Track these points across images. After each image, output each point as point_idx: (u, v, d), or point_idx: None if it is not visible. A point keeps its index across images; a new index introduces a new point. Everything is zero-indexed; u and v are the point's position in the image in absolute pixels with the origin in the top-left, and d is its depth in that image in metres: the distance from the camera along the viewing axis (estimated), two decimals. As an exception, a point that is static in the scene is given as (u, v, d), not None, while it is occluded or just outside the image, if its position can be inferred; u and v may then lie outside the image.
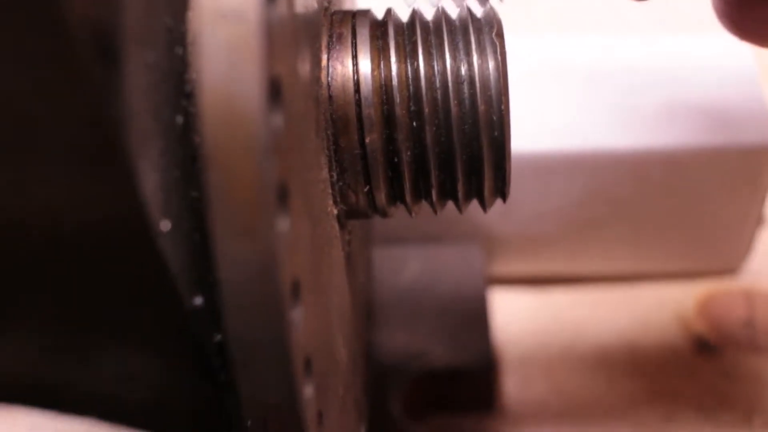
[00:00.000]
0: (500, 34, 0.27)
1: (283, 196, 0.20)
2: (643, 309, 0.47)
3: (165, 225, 0.20)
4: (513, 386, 0.45)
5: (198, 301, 0.22)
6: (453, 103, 0.26)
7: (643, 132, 0.43)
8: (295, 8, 0.22)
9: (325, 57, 0.27)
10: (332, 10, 0.28)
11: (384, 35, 0.27)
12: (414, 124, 0.27)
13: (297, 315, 0.21)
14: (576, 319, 0.47)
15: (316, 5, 0.26)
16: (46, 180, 0.19)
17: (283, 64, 0.20)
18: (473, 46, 0.27)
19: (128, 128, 0.19)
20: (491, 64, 0.27)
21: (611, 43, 0.47)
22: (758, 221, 0.46)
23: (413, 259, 0.45)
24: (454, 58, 0.27)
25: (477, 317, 0.43)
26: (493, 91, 0.26)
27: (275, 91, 0.19)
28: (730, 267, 0.48)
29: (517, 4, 0.49)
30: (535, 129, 0.43)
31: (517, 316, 0.47)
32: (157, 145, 0.20)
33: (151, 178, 0.20)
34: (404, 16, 0.29)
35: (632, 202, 0.44)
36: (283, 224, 0.19)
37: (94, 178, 0.19)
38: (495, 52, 0.27)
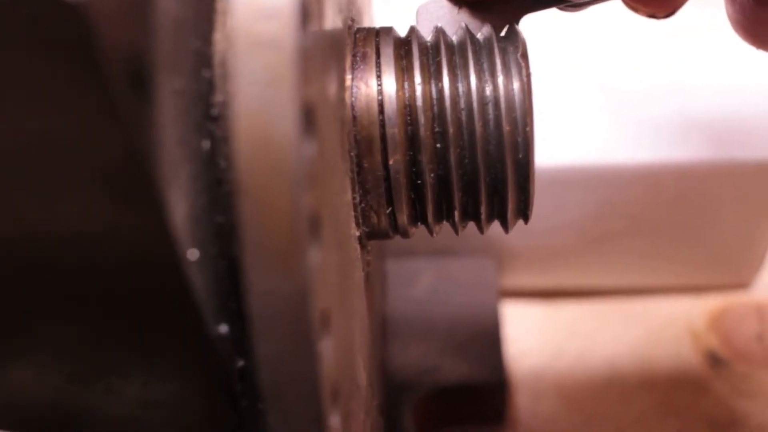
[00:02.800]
0: (525, 55, 0.27)
1: (315, 226, 0.19)
2: (655, 323, 0.47)
3: (193, 254, 0.20)
4: (525, 400, 0.44)
5: (223, 328, 0.22)
6: (478, 124, 0.26)
7: (657, 146, 0.43)
8: (325, 29, 0.22)
9: (349, 77, 0.26)
10: (355, 28, 0.28)
11: (408, 55, 0.27)
12: (438, 145, 0.26)
13: (326, 346, 0.20)
14: (588, 332, 0.47)
15: (341, 23, 0.26)
16: (77, 208, 0.19)
17: (316, 90, 0.20)
18: (498, 67, 0.27)
19: (158, 159, 0.18)
20: (516, 85, 0.26)
21: (626, 57, 0.46)
22: (771, 236, 0.46)
23: (426, 272, 0.45)
24: (479, 78, 0.26)
25: (489, 331, 0.43)
26: (518, 113, 0.26)
27: (309, 119, 0.19)
28: (742, 281, 0.48)
29: (534, 16, 0.48)
30: (549, 143, 0.42)
31: (529, 329, 0.47)
32: (185, 173, 0.20)
33: (180, 207, 0.19)
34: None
35: (646, 215, 0.44)
36: (315, 256, 0.19)
37: (125, 208, 0.19)
38: (520, 73, 0.26)
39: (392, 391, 0.40)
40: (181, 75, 0.20)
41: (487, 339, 0.42)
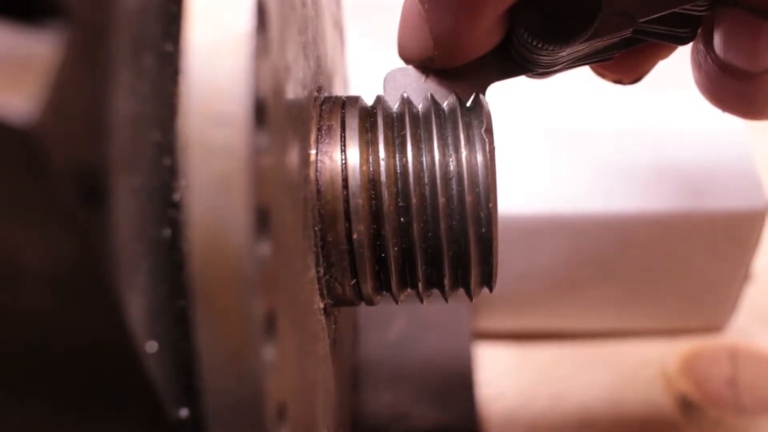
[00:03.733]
0: (489, 129, 0.27)
1: (270, 324, 0.19)
2: (627, 366, 0.47)
3: (151, 347, 0.20)
4: (497, 444, 0.45)
5: (183, 413, 0.22)
6: (441, 199, 0.26)
7: (629, 195, 0.43)
8: (284, 113, 0.22)
9: (313, 152, 0.27)
10: (322, 98, 0.28)
11: (373, 127, 0.27)
12: (402, 219, 0.27)
13: (282, 436, 0.21)
14: (560, 375, 0.47)
15: (305, 97, 0.26)
16: (27, 304, 0.19)
17: (272, 186, 0.20)
18: (462, 141, 0.27)
19: (115, 263, 0.18)
20: (479, 160, 0.27)
21: (598, 104, 0.47)
22: (744, 279, 0.46)
23: (399, 316, 0.45)
24: (442, 153, 0.27)
25: (462, 377, 0.43)
26: (482, 188, 0.26)
27: (263, 220, 0.19)
28: (715, 324, 0.48)
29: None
30: (521, 191, 0.43)
31: (502, 372, 0.47)
32: (144, 268, 0.20)
33: (137, 305, 0.20)
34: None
35: (618, 262, 0.45)
36: (269, 354, 0.19)
37: (81, 310, 0.19)
38: (484, 148, 0.27)
39: (364, 440, 0.40)
40: (140, 172, 0.20)
41: (459, 384, 0.43)
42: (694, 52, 0.31)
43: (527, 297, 0.46)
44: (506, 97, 0.45)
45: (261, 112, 0.19)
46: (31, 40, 0.16)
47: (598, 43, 0.29)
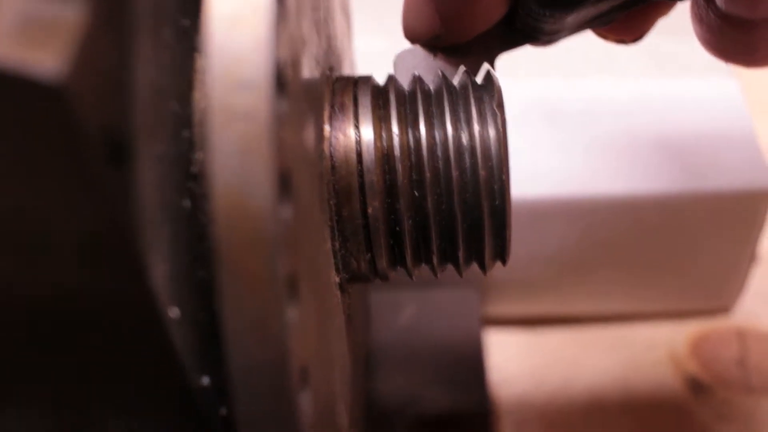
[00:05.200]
0: (500, 104, 0.27)
1: (292, 286, 0.20)
2: (637, 349, 0.48)
3: (174, 312, 0.21)
4: (508, 428, 0.45)
5: (205, 380, 0.23)
6: (454, 172, 0.27)
7: (637, 177, 0.43)
8: (302, 86, 0.23)
9: (327, 128, 0.27)
10: (334, 77, 0.29)
11: (386, 104, 0.28)
12: (416, 193, 0.27)
13: (305, 399, 0.21)
14: (569, 359, 0.47)
15: (318, 74, 0.27)
16: (57, 270, 0.20)
17: (292, 152, 0.20)
18: (474, 116, 0.27)
19: (139, 226, 0.19)
20: (492, 134, 0.27)
21: (605, 87, 0.47)
22: (751, 261, 0.47)
23: (409, 303, 0.45)
24: (455, 127, 0.27)
25: (473, 361, 0.43)
26: (494, 161, 0.27)
27: (285, 183, 0.20)
28: (722, 306, 0.48)
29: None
30: (530, 174, 0.43)
31: (511, 356, 0.47)
32: (166, 235, 0.20)
33: (160, 269, 0.20)
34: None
35: (625, 245, 0.45)
36: (292, 315, 0.20)
37: (105, 272, 0.19)
38: (496, 122, 0.27)
39: (376, 422, 0.40)
40: (161, 140, 0.21)
41: (470, 368, 0.43)
42: (695, 7, 0.31)
43: (536, 281, 0.46)
44: (512, 81, 0.45)
45: (281, 79, 0.19)
46: (58, 4, 0.17)
47: (602, 7, 0.29)
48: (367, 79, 0.29)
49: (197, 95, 0.22)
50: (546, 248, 0.45)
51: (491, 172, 0.27)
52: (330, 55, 0.29)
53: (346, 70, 0.33)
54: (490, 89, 0.28)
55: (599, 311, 0.48)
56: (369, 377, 0.42)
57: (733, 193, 0.43)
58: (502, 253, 0.28)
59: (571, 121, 0.45)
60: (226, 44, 0.19)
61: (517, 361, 0.47)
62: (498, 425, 0.45)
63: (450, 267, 0.30)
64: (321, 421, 0.24)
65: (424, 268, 0.30)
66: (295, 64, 0.22)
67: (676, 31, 0.48)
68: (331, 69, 0.29)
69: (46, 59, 0.16)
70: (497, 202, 0.27)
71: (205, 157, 0.19)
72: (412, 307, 0.45)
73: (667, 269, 0.46)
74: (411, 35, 0.30)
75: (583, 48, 0.49)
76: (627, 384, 0.46)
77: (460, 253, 0.28)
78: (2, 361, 0.22)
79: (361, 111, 0.27)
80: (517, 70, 0.48)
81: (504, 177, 0.27)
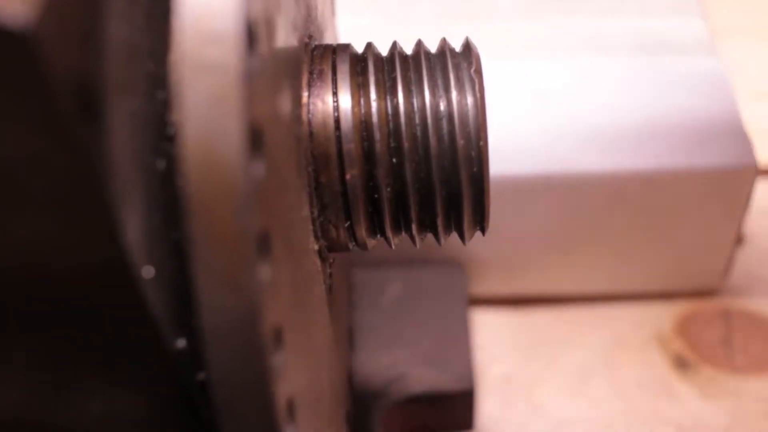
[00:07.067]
0: (479, 71, 0.27)
1: (264, 244, 0.20)
2: (622, 329, 0.48)
3: (148, 271, 0.21)
4: (494, 406, 0.45)
5: (181, 343, 0.23)
6: (432, 139, 0.27)
7: (621, 154, 0.43)
8: (276, 48, 0.23)
9: (305, 94, 0.27)
10: (313, 45, 0.29)
11: (364, 71, 0.28)
12: (394, 160, 0.27)
13: (279, 360, 0.21)
14: (555, 338, 0.47)
15: (296, 42, 0.27)
16: (27, 226, 0.19)
17: (265, 110, 0.20)
18: (452, 83, 0.27)
19: (111, 181, 0.19)
20: (470, 101, 0.27)
21: (589, 64, 0.47)
22: (737, 240, 0.47)
23: (394, 281, 0.45)
24: (433, 94, 0.27)
25: (458, 339, 0.43)
26: (472, 128, 0.27)
27: (257, 139, 0.19)
28: (708, 286, 0.49)
29: (495, 28, 0.49)
30: (514, 152, 0.43)
31: (497, 336, 0.47)
32: (139, 192, 0.20)
33: (133, 226, 0.20)
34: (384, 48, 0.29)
35: (610, 223, 0.45)
36: (264, 273, 0.20)
37: (77, 228, 0.19)
38: (473, 89, 0.27)
39: (360, 400, 0.40)
40: (135, 97, 0.21)
41: (455, 347, 0.43)
42: None
43: (521, 260, 0.46)
44: (493, 60, 0.45)
45: (252, 35, 0.19)
46: (24, -48, 0.16)
47: None
48: (346, 47, 0.29)
49: (173, 57, 0.22)
50: (531, 227, 0.45)
51: (469, 139, 0.27)
52: (309, 24, 0.29)
53: (328, 41, 0.33)
54: (468, 56, 0.28)
55: (585, 291, 0.48)
56: (352, 356, 0.42)
57: (717, 171, 0.43)
58: (481, 221, 0.28)
59: (553, 97, 0.45)
60: (197, -2, 0.19)
61: (502, 340, 0.47)
62: (483, 404, 0.45)
63: (432, 239, 0.30)
64: (299, 387, 0.24)
65: (407, 242, 0.30)
66: (269, 23, 0.22)
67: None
68: (310, 37, 0.29)
69: (13, 4, 0.16)
70: (475, 169, 0.27)
71: (175, 110, 0.19)
72: (398, 286, 0.45)
73: (653, 248, 0.46)
74: None
75: (567, 27, 0.49)
76: (613, 363, 0.47)
77: (439, 221, 0.28)
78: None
79: (339, 78, 0.27)
80: (502, 50, 0.48)
81: (482, 144, 0.27)
